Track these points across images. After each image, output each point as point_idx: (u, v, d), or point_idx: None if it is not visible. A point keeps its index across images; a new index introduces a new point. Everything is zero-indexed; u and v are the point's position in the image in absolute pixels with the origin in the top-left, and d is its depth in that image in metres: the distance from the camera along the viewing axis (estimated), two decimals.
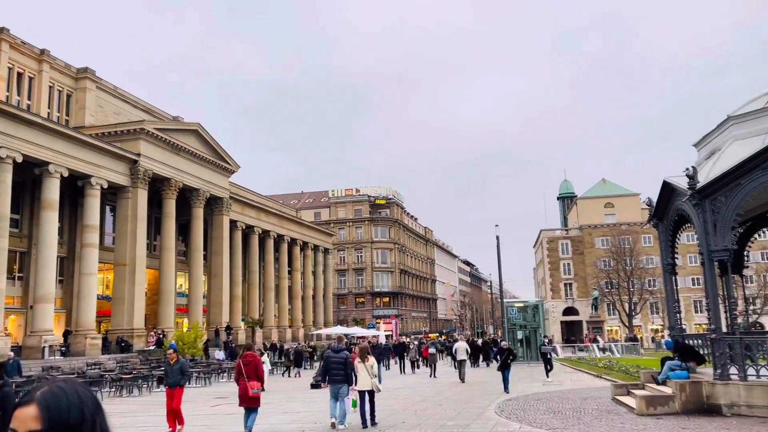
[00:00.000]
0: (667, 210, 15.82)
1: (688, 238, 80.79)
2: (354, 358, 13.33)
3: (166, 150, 41.43)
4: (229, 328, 45.21)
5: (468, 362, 28.52)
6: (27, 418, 1.48)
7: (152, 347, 36.60)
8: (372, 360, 13.44)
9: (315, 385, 22.59)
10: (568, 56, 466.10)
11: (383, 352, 32.60)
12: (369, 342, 34.01)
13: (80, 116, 40.79)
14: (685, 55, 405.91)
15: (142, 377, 25.17)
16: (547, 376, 25.78)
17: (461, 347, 25.23)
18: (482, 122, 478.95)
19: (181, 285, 46.76)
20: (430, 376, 28.92)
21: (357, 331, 60.23)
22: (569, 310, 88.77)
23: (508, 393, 19.22)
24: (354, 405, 13.54)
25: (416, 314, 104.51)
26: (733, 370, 12.87)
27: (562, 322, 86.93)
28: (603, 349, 49.29)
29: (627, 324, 73.41)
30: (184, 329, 41.40)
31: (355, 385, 13.10)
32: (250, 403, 12.19)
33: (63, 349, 32.34)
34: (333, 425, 12.92)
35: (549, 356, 27.33)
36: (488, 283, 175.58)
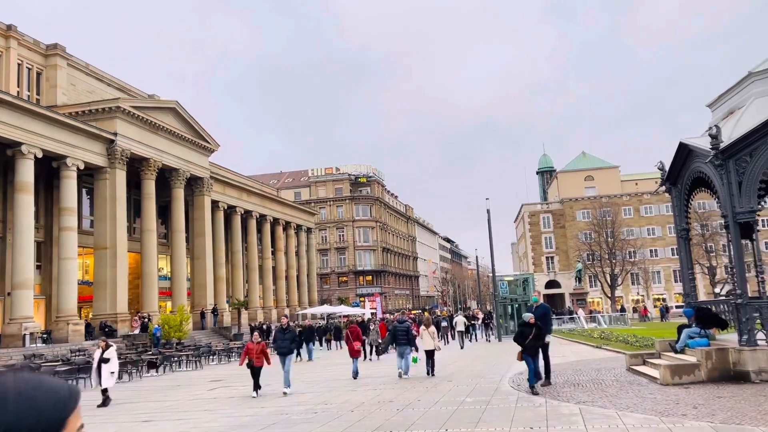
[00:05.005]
0: (682, 173, 15.30)
1: (668, 209, 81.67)
2: (415, 327, 19.86)
3: (143, 129, 39.95)
4: (215, 310, 44.30)
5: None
6: None
7: (137, 331, 35.62)
8: (433, 328, 18.55)
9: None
10: (560, 28, 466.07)
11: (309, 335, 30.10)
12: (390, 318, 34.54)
13: (52, 95, 39.04)
14: (676, 27, 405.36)
15: (132, 362, 24.24)
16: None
17: (460, 320, 27.82)
18: (472, 97, 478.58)
19: (162, 268, 45.54)
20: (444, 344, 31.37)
21: (343, 309, 59.82)
22: (551, 283, 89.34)
23: (534, 391, 12.78)
24: (414, 361, 18.23)
25: (399, 292, 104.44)
26: (760, 335, 12.48)
27: (544, 295, 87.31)
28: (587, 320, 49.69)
29: (609, 295, 74.09)
30: (168, 312, 40.45)
31: (422, 346, 18.03)
32: (356, 355, 18.95)
33: (44, 336, 31.17)
34: (400, 375, 17.59)
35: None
36: (467, 259, 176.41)
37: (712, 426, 8.60)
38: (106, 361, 15.78)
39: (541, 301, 14.62)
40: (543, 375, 13.91)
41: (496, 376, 16.44)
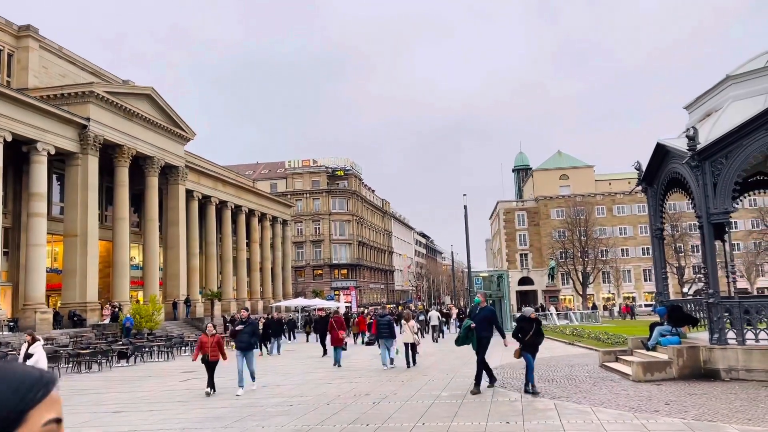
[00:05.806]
0: (659, 173, 15.50)
1: (640, 209, 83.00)
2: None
3: (117, 115, 39.19)
4: (188, 301, 43.81)
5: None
6: None
7: (107, 321, 35.03)
8: (413, 322, 19.67)
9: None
10: (540, 28, 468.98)
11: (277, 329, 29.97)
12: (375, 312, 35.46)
13: (23, 77, 38.02)
14: (655, 29, 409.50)
15: (102, 352, 23.82)
16: None
17: (434, 315, 29.63)
18: (451, 95, 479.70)
19: (134, 257, 44.83)
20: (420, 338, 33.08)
21: (318, 302, 59.60)
22: (524, 280, 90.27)
23: (533, 390, 12.05)
24: (397, 352, 19.31)
25: (374, 286, 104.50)
26: (730, 334, 12.71)
27: (517, 292, 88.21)
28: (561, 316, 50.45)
29: (581, 293, 75.11)
30: (139, 301, 39.85)
31: (402, 337, 19.34)
32: (338, 343, 20.38)
33: (11, 324, 30.47)
34: (385, 365, 18.60)
35: None
36: (443, 255, 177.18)
37: (684, 422, 8.73)
38: (31, 356, 14.41)
39: (485, 303, 13.27)
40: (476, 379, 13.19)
41: (471, 371, 16.48)
